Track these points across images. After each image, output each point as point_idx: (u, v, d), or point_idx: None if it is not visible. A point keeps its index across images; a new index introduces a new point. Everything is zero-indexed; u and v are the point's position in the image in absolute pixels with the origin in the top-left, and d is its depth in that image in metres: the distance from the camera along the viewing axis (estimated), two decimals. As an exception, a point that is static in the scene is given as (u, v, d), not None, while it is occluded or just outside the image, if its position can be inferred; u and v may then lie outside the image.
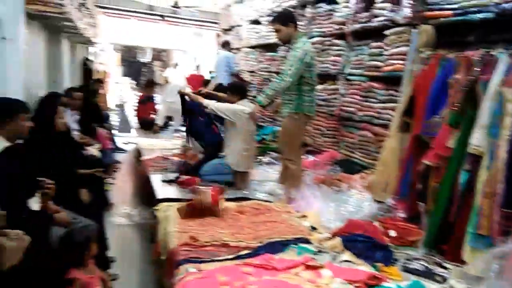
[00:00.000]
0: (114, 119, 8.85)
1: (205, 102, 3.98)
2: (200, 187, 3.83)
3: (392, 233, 2.93)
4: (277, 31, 3.65)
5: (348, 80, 4.46)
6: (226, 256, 2.51)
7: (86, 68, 8.53)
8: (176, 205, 3.27)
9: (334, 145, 4.68)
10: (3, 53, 3.13)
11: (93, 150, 4.82)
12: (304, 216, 3.29)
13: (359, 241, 2.70)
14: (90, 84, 8.06)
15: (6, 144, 2.41)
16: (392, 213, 3.23)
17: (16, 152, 2.02)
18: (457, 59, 2.83)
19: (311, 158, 4.63)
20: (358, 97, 4.25)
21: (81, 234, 2.32)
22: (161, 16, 10.06)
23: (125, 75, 15.72)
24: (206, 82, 7.56)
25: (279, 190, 3.97)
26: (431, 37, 3.32)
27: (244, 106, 3.97)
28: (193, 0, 8.77)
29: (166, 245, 2.71)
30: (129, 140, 7.55)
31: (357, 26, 4.31)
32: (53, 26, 5.21)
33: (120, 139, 8.15)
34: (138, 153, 5.80)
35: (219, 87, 6.39)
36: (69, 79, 7.40)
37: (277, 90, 3.43)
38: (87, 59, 8.80)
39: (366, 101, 4.11)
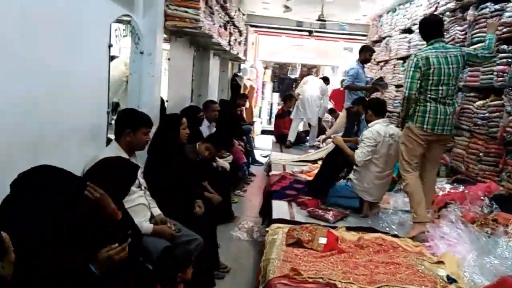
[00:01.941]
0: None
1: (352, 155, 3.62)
2: (320, 210, 3.53)
3: None
4: None
5: (517, 94, 3.55)
6: (327, 300, 2.12)
7: (235, 84, 9.00)
8: (287, 228, 3.00)
9: (493, 175, 3.75)
10: (140, 67, 3.38)
11: (224, 162, 4.90)
12: (440, 262, 2.65)
13: (515, 310, 2.00)
14: (237, 98, 8.49)
15: (124, 154, 2.51)
16: None
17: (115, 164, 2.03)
18: None
19: (461, 188, 3.82)
20: (531, 116, 3.32)
21: (180, 255, 2.23)
22: (309, 31, 10.02)
23: (275, 91, 16.30)
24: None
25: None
26: None
27: (381, 126, 3.59)
28: (340, 13, 8.46)
29: (267, 274, 2.45)
30: (267, 153, 7.63)
31: (535, 26, 3.41)
32: (201, 43, 5.56)
33: (259, 152, 8.35)
34: (269, 167, 5.75)
35: (360, 100, 5.91)
36: (217, 93, 7.90)
37: (402, 105, 3.39)
38: (236, 75, 9.31)
39: (543, 122, 3.17)
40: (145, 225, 2.49)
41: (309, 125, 7.64)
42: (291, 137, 7.13)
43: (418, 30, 5.99)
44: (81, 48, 2.40)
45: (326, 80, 8.14)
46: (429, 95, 3.21)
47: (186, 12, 3.61)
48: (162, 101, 4.16)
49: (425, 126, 3.21)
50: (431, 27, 3.41)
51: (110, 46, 2.72)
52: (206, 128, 5.08)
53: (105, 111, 2.76)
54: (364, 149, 3.51)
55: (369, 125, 3.68)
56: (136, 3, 3.17)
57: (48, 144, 2.04)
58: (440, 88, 3.20)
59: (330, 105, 8.39)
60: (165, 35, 3.98)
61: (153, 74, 3.40)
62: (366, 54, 6.35)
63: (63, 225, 1.45)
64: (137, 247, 2.03)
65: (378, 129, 3.55)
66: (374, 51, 6.75)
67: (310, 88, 7.46)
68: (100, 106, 2.70)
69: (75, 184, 1.61)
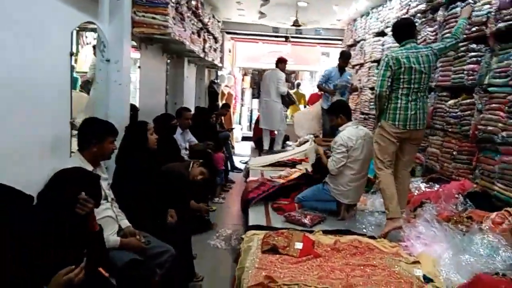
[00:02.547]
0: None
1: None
2: (296, 215, 3.48)
3: (545, 300, 2.09)
4: None
5: (487, 92, 3.57)
6: (302, 307, 2.06)
7: (212, 91, 8.93)
8: (262, 234, 2.93)
9: (467, 173, 3.77)
10: (106, 75, 3.29)
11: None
12: (416, 262, 2.62)
13: (490, 308, 1.97)
14: (215, 106, 8.43)
15: (88, 166, 2.42)
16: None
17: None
18: None
19: (436, 187, 3.82)
20: (501, 114, 3.33)
21: (143, 270, 2.14)
22: (285, 37, 10.04)
23: (255, 97, 16.25)
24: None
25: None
26: None
27: (351, 129, 3.60)
28: (315, 18, 8.51)
29: (241, 283, 2.38)
30: (246, 159, 7.56)
31: (502, 25, 3.44)
32: (174, 50, 5.48)
33: (239, 158, 8.28)
34: (247, 173, 5.69)
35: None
36: (194, 101, 7.82)
37: (375, 103, 3.41)
38: (213, 82, 9.23)
39: (512, 118, 3.20)
40: (112, 239, 2.39)
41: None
42: (266, 145, 7.03)
43: (391, 33, 6.12)
44: (40, 56, 2.31)
45: (281, 62, 7.13)
46: (400, 92, 3.27)
47: (154, 18, 3.54)
48: (135, 109, 4.06)
49: (396, 123, 3.25)
50: (402, 29, 3.51)
51: (71, 54, 2.63)
52: (179, 135, 5.00)
53: (68, 121, 2.65)
54: (335, 157, 3.51)
55: (340, 129, 3.67)
56: (101, 10, 3.08)
57: (3, 157, 1.93)
58: (412, 86, 3.26)
59: (284, 89, 7.25)
60: (134, 43, 3.90)
61: (120, 82, 3.30)
62: (340, 60, 6.67)
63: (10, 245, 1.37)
64: (101, 264, 1.93)
65: (349, 133, 3.55)
66: (347, 57, 6.88)
67: (265, 93, 7.02)
68: (62, 116, 2.59)
69: (23, 202, 1.52)
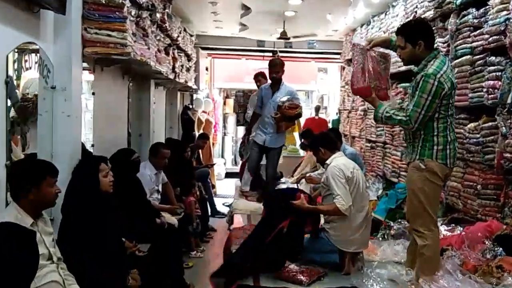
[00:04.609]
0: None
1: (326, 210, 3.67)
2: (291, 271, 3.44)
3: None
4: (400, 46, 3.27)
5: (512, 112, 3.66)
6: None
7: (186, 118, 8.96)
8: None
9: (495, 211, 3.79)
10: (52, 105, 3.29)
11: (171, 218, 4.79)
12: (438, 325, 2.58)
13: None
14: (190, 137, 8.45)
15: (27, 218, 2.40)
16: None
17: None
18: None
19: (459, 230, 3.83)
20: (531, 138, 3.41)
21: None
22: (273, 52, 10.19)
23: (240, 124, 16.29)
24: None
25: (406, 278, 3.32)
26: None
27: (342, 160, 3.70)
28: (307, 29, 8.70)
29: None
30: (229, 202, 7.52)
31: (523, 33, 3.57)
32: (137, 72, 5.51)
33: (221, 201, 8.25)
34: (231, 219, 5.65)
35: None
36: (164, 132, 7.83)
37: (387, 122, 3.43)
38: (187, 107, 9.28)
39: (544, 143, 3.26)
40: (57, 311, 2.33)
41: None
42: (244, 185, 6.85)
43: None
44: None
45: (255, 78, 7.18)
46: (448, 122, 3.13)
47: (109, 35, 3.57)
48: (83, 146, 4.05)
49: (448, 161, 3.10)
50: (431, 34, 3.28)
51: (7, 82, 2.64)
52: (153, 176, 4.98)
53: (3, 164, 2.63)
54: (340, 193, 3.47)
55: (328, 162, 3.73)
56: (43, 27, 3.11)
57: None
58: (454, 110, 3.20)
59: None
60: (86, 64, 3.93)
61: (69, 114, 3.31)
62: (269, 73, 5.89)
63: None
64: None
65: (341, 162, 3.65)
66: (275, 66, 5.81)
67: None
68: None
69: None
